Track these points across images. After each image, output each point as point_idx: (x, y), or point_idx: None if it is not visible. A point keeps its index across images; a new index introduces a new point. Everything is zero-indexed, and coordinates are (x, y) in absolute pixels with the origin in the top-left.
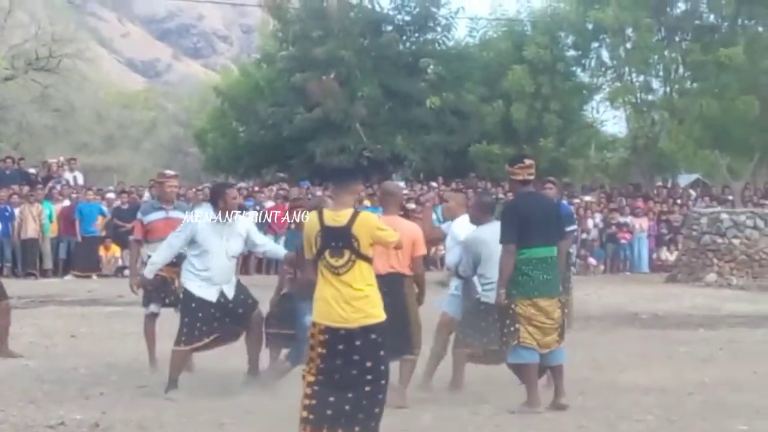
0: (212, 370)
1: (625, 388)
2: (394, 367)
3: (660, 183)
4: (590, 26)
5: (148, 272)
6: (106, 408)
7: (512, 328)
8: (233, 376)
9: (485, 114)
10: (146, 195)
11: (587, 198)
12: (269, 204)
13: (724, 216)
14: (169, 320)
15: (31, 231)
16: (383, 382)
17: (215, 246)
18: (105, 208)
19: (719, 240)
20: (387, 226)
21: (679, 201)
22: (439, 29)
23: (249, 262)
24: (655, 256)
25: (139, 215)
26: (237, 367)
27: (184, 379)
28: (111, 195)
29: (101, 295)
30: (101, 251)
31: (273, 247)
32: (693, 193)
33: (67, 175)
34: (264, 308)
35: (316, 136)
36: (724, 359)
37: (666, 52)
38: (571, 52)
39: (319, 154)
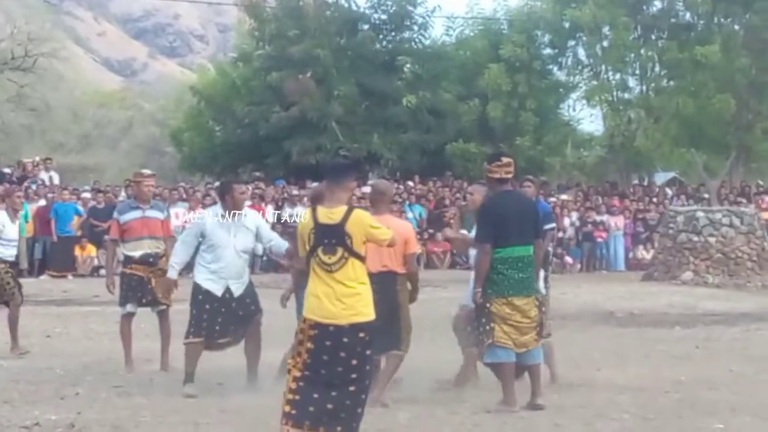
0: None
1: (601, 387)
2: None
3: (636, 181)
4: (567, 25)
5: (172, 273)
6: (81, 408)
7: (487, 327)
8: (208, 376)
9: (462, 112)
10: (122, 195)
11: (564, 196)
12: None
13: (700, 214)
14: (146, 320)
15: None
16: (367, 382)
17: (223, 241)
18: (81, 208)
19: (695, 238)
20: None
21: (655, 199)
22: (415, 28)
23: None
24: (631, 254)
25: (115, 215)
26: (212, 366)
27: (160, 379)
28: (87, 195)
29: (77, 294)
30: (77, 251)
31: (279, 241)
32: (669, 191)
33: (43, 175)
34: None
35: (292, 135)
36: (700, 357)
37: (642, 51)
38: (548, 51)
39: (296, 153)
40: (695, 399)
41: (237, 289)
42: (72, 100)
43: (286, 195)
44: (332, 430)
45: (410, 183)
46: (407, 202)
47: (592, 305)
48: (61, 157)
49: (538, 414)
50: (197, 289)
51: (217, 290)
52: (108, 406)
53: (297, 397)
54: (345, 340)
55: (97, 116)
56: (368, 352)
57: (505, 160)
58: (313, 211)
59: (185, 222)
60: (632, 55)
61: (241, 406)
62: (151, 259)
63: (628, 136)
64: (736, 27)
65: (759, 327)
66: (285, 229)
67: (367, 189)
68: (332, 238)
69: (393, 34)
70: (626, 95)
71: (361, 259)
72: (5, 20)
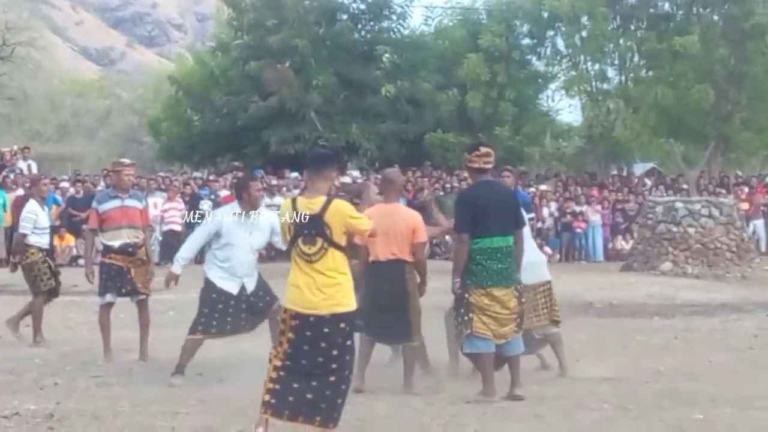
0: (166, 359)
1: (580, 377)
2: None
3: (615, 172)
4: (545, 15)
5: (176, 267)
6: (60, 398)
7: (466, 318)
8: (188, 366)
9: (440, 102)
10: (101, 184)
11: (543, 187)
12: (224, 193)
13: (679, 205)
14: (125, 310)
15: None
16: (347, 372)
17: (239, 239)
18: (59, 198)
19: (674, 229)
20: (388, 213)
21: (634, 190)
22: (394, 17)
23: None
24: (610, 245)
25: (94, 204)
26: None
27: (139, 369)
28: (65, 184)
29: None
30: (55, 241)
31: None
32: (648, 181)
33: (21, 164)
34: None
35: (270, 125)
36: (679, 348)
37: (621, 41)
38: (527, 41)
39: (274, 142)
40: (675, 389)
41: (250, 285)
42: (50, 89)
43: (265, 185)
44: (312, 420)
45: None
46: None
47: (570, 296)
48: (39, 146)
49: (518, 404)
50: (211, 287)
51: (233, 288)
52: (87, 396)
53: (277, 387)
54: (325, 330)
55: (75, 105)
56: (349, 343)
57: (483, 150)
58: (293, 201)
59: (163, 212)
60: (611, 45)
61: (220, 396)
62: (130, 249)
63: (607, 126)
64: (715, 17)
65: (738, 318)
66: None
67: (345, 179)
68: (312, 228)
69: (372, 23)
70: (605, 85)
71: (342, 249)
72: None
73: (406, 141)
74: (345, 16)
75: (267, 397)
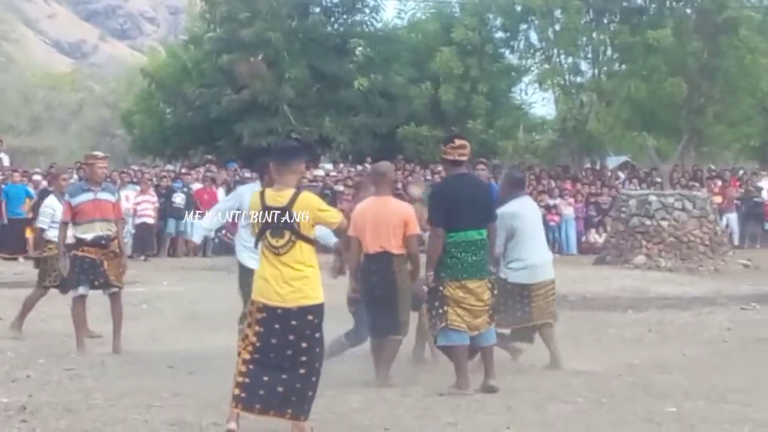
0: (140, 352)
1: (554, 370)
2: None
3: (588, 165)
4: (519, 8)
5: (197, 237)
6: (32, 391)
7: (441, 311)
8: (160, 359)
9: (413, 96)
10: (74, 177)
11: None
12: (197, 186)
13: (652, 198)
14: (98, 303)
15: None
16: (317, 365)
17: None
18: (32, 190)
19: (648, 222)
20: (380, 206)
21: (607, 183)
22: (367, 11)
23: None
24: (583, 238)
25: (66, 197)
26: (165, 349)
27: (111, 362)
28: (38, 177)
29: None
30: (28, 233)
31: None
32: (621, 175)
33: None
34: None
35: (243, 118)
36: (652, 341)
37: (594, 34)
38: (500, 34)
39: (247, 135)
40: (648, 382)
41: None
42: (22, 82)
43: (237, 178)
44: (283, 413)
45: (360, 167)
46: None
47: None
48: (12, 139)
49: (491, 397)
50: (246, 271)
51: None
52: (60, 389)
53: (247, 380)
54: (293, 323)
55: (48, 98)
56: (317, 335)
57: (458, 142)
58: (261, 194)
59: (135, 205)
60: (584, 38)
61: (192, 389)
62: (102, 242)
63: (580, 119)
64: (688, 11)
65: (711, 311)
66: None
67: (318, 172)
68: (279, 221)
69: (345, 16)
70: (578, 79)
71: (309, 242)
72: None
73: (379, 134)
74: (318, 9)
75: (237, 391)
